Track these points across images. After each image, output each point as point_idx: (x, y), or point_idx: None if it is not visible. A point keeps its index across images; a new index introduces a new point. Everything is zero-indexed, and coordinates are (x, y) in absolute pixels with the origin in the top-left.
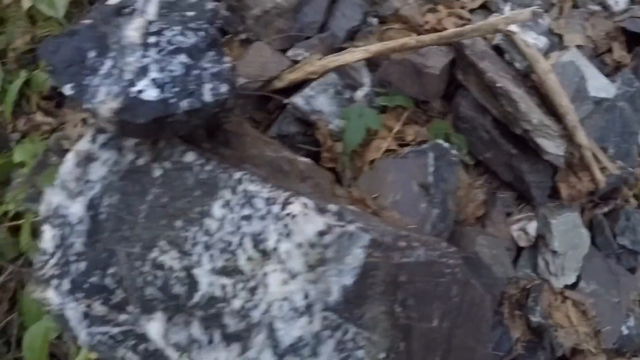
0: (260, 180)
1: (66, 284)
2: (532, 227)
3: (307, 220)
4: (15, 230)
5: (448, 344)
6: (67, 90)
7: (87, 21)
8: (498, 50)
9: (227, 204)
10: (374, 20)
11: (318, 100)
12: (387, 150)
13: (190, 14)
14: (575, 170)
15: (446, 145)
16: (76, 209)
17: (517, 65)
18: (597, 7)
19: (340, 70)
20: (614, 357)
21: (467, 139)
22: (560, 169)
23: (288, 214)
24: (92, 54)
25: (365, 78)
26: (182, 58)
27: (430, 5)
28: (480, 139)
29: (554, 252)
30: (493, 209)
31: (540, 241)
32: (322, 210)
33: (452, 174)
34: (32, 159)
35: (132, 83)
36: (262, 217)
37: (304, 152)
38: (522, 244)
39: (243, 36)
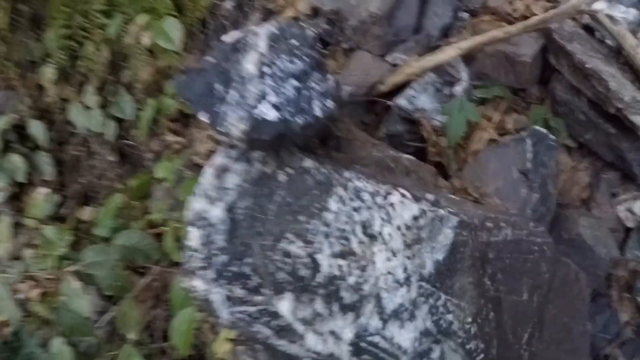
0: (365, 178)
1: (211, 274)
2: (638, 206)
3: (404, 207)
4: (157, 236)
5: (540, 317)
6: (203, 117)
7: (211, 59)
8: (589, 29)
9: (340, 199)
10: (465, 15)
11: (420, 99)
12: (490, 140)
13: (295, 42)
14: None
15: (544, 130)
16: (216, 212)
17: (609, 42)
18: None
19: (438, 68)
20: None
21: (566, 122)
22: None
23: (389, 203)
24: (219, 87)
25: (463, 72)
26: (293, 82)
27: None
28: (578, 121)
29: None
30: (597, 190)
31: None
32: (418, 199)
33: (552, 158)
34: (172, 175)
35: (254, 107)
36: (369, 207)
37: (411, 148)
38: (630, 224)
39: (345, 45)
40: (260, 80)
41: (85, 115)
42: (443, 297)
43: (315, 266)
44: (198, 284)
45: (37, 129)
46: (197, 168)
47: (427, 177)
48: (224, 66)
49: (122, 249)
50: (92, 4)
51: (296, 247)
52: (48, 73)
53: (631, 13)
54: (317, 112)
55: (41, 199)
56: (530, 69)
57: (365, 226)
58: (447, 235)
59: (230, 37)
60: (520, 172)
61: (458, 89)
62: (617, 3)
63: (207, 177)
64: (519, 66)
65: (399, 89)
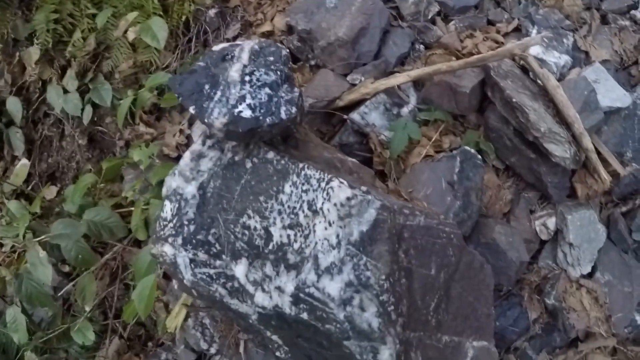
0: (315, 168)
1: (179, 240)
2: (552, 222)
3: (341, 190)
4: (123, 217)
5: (447, 292)
6: (191, 110)
7: (202, 63)
8: (524, 69)
9: (294, 184)
10: (421, 47)
11: (371, 116)
12: (426, 156)
13: (271, 58)
14: (590, 172)
15: (472, 150)
16: (190, 189)
17: (540, 82)
18: (626, 22)
19: (389, 91)
20: (632, 346)
21: (496, 146)
22: (577, 171)
23: (330, 187)
24: (207, 87)
25: (412, 96)
26: (267, 90)
27: (469, 31)
28: (505, 146)
29: (570, 245)
30: (517, 206)
31: (559, 235)
32: (352, 187)
33: (477, 174)
34: (146, 159)
35: (235, 106)
36: (315, 190)
37: (360, 157)
38: (544, 237)
39: (312, 62)
40: (242, 86)
41: (63, 98)
42: (364, 258)
43: (268, 236)
44: (167, 249)
45: (13, 106)
46: (166, 158)
47: (366, 178)
48: (214, 71)
49: (90, 223)
50: None
51: (254, 222)
52: (32, 53)
53: (563, 59)
54: (283, 115)
55: (23, 169)
56: (469, 98)
57: (311, 204)
58: (371, 214)
59: (219, 47)
60: (448, 183)
61: (405, 110)
62: (552, 49)
63: (186, 159)
64: (459, 95)
65: (354, 105)
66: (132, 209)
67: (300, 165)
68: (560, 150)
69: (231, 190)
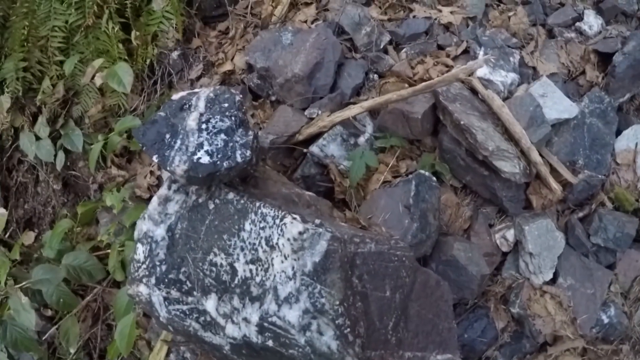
0: (270, 206)
1: (153, 280)
2: (511, 234)
3: (293, 225)
4: (101, 259)
5: (404, 311)
6: (155, 159)
7: (162, 113)
8: (474, 91)
9: (252, 222)
10: (375, 77)
11: (329, 148)
12: (384, 182)
13: (225, 105)
14: (544, 183)
15: (427, 173)
16: (159, 231)
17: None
18: (572, 35)
19: (345, 122)
20: (601, 344)
21: (451, 167)
22: (531, 183)
23: (283, 223)
24: (167, 136)
25: (368, 125)
26: (223, 136)
27: (420, 57)
28: (460, 165)
29: (530, 254)
30: (476, 222)
31: (519, 246)
32: (305, 221)
33: (433, 195)
34: (119, 203)
35: (194, 153)
36: (270, 227)
37: (322, 187)
38: (504, 249)
39: (272, 98)
40: (199, 134)
41: (36, 145)
42: (318, 286)
43: (233, 272)
44: (142, 289)
45: None
46: (139, 200)
47: (324, 209)
48: (173, 120)
49: (69, 268)
50: (51, 41)
51: (220, 259)
52: (3, 101)
53: (510, 77)
54: (238, 158)
55: (1, 219)
56: (421, 123)
57: (268, 239)
58: (322, 245)
59: (177, 95)
60: (405, 206)
61: (362, 139)
62: (499, 69)
63: (154, 204)
64: (412, 121)
65: (313, 138)
66: (109, 251)
67: (257, 204)
68: (509, 166)
69: (197, 230)
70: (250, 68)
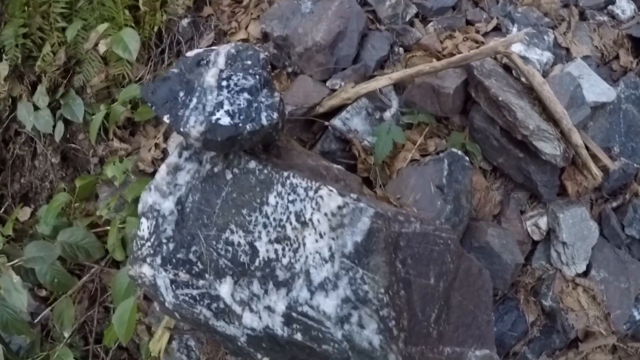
0: (301, 176)
1: (158, 260)
2: (543, 222)
3: (331, 198)
4: (99, 237)
5: (446, 301)
6: (166, 119)
7: (175, 70)
8: (507, 68)
9: (279, 194)
10: (400, 50)
11: (353, 121)
12: (412, 160)
13: (248, 62)
14: (579, 168)
15: (460, 152)
16: (167, 204)
17: (523, 80)
18: (604, 18)
19: (370, 95)
20: (632, 342)
21: (482, 148)
22: (566, 168)
23: (319, 196)
24: (181, 94)
25: (393, 100)
26: (246, 95)
27: (448, 32)
28: (492, 146)
29: (564, 244)
30: (507, 207)
31: (551, 234)
32: (342, 195)
33: (466, 176)
34: (121, 175)
35: (212, 113)
36: (302, 199)
37: (343, 165)
38: (536, 237)
39: (289, 69)
40: (219, 92)
41: (34, 115)
42: (360, 271)
43: (254, 252)
44: (146, 270)
45: None
46: (142, 174)
47: (354, 185)
48: (188, 77)
49: (64, 245)
50: (53, 6)
51: (238, 237)
52: (1, 69)
53: (545, 55)
54: (264, 121)
55: None
56: (452, 99)
57: (299, 215)
58: (364, 222)
59: (193, 52)
60: (437, 187)
61: (387, 114)
62: (533, 46)
63: (161, 173)
64: (442, 97)
65: (335, 111)
66: (108, 228)
67: (285, 174)
68: (550, 148)
69: (211, 204)
70: (265, 37)
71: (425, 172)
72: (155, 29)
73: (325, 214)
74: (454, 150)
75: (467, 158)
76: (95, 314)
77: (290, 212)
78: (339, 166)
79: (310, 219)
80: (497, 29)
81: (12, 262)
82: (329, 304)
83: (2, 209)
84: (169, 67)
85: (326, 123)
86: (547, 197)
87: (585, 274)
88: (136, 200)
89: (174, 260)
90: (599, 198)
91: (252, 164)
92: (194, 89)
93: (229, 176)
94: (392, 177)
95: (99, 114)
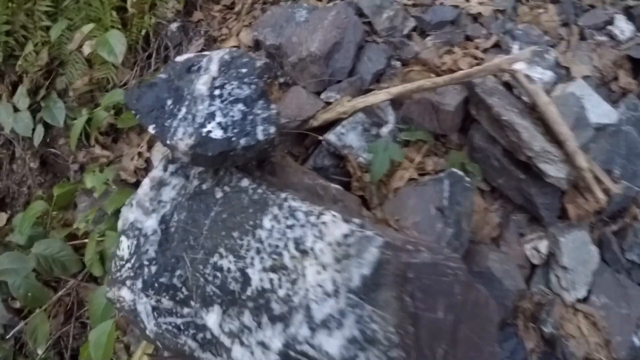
0: (300, 199)
1: (139, 284)
2: (544, 245)
3: (336, 226)
4: (77, 249)
5: (454, 335)
6: (151, 129)
7: (163, 75)
8: (508, 86)
9: (275, 218)
10: (397, 64)
11: (348, 137)
12: (410, 179)
13: (244, 70)
14: (581, 191)
15: (460, 173)
16: (150, 223)
17: (525, 98)
18: (603, 38)
19: (367, 110)
20: None
21: (481, 167)
22: (567, 191)
23: (322, 222)
24: (169, 102)
25: (390, 116)
26: (240, 106)
27: (447, 47)
28: (492, 166)
29: (564, 268)
30: (507, 230)
31: (551, 258)
32: (347, 220)
33: (466, 198)
34: (101, 185)
35: (202, 125)
36: (302, 225)
37: (336, 182)
38: (535, 261)
39: (282, 80)
40: (210, 101)
41: (14, 117)
42: (368, 308)
43: (245, 280)
44: (125, 294)
45: None
46: (123, 184)
47: (352, 207)
48: (177, 84)
49: (39, 257)
50: (38, 4)
51: (227, 262)
52: None
53: (547, 74)
54: (260, 136)
55: None
56: (452, 117)
57: (298, 242)
58: (373, 253)
59: (182, 57)
60: (437, 209)
61: (384, 130)
62: (535, 65)
63: (144, 188)
64: (442, 114)
65: (329, 125)
66: (87, 240)
67: (282, 195)
68: (555, 170)
69: (199, 224)
70: (257, 45)
71: (424, 193)
72: (143, 32)
73: (330, 244)
74: (455, 170)
75: (468, 179)
76: (71, 329)
77: (288, 239)
78: (337, 186)
79: (312, 248)
80: (496, 46)
81: None
82: (333, 344)
83: None
84: (156, 73)
85: (320, 137)
86: (548, 220)
87: (586, 299)
88: (116, 212)
89: (156, 285)
90: (599, 221)
91: (245, 182)
92: (183, 97)
93: (218, 194)
94: (388, 197)
95: (81, 118)
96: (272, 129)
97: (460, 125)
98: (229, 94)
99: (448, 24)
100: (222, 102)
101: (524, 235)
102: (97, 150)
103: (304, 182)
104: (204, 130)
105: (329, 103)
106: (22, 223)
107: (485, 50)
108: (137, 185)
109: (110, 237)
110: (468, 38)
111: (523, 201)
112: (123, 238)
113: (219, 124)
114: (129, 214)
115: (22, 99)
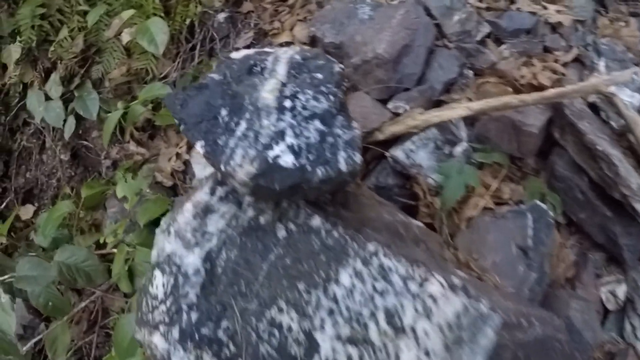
0: (393, 255)
1: (176, 333)
2: (622, 290)
3: (447, 302)
4: (104, 256)
5: None
6: (200, 147)
7: (216, 76)
8: (594, 108)
9: (357, 275)
10: (470, 73)
11: (418, 155)
12: (484, 209)
13: (319, 76)
14: None
15: (544, 206)
16: (192, 259)
17: (613, 124)
18: None
19: (442, 125)
20: None
21: (562, 198)
22: None
23: (428, 294)
24: (224, 112)
25: (462, 132)
26: (317, 124)
27: (524, 58)
28: (575, 199)
29: None
30: (584, 270)
31: (628, 305)
32: (453, 288)
33: (549, 236)
34: (134, 197)
35: (268, 147)
36: (399, 294)
37: (400, 204)
38: (610, 307)
39: None
40: (279, 115)
41: (45, 106)
42: None
43: (312, 345)
44: (158, 341)
45: None
46: (160, 187)
47: (435, 248)
48: (235, 89)
49: (62, 266)
50: None
51: (288, 319)
52: (13, 51)
53: (636, 98)
54: (342, 165)
55: None
56: (535, 140)
57: (391, 315)
58: (489, 337)
59: (241, 54)
60: (520, 248)
61: (458, 149)
62: (623, 87)
63: (186, 215)
64: (524, 135)
65: (395, 139)
66: (115, 250)
67: (371, 248)
68: None
69: (254, 267)
70: (313, 42)
71: (505, 228)
72: (187, 21)
73: (440, 326)
74: (538, 203)
75: (551, 213)
76: (94, 338)
77: (376, 307)
78: (419, 222)
79: (413, 328)
80: (577, 60)
81: (2, 278)
82: None
83: (4, 204)
84: (200, 66)
85: (386, 153)
86: (631, 263)
87: None
88: (151, 224)
89: (196, 337)
90: None
91: (316, 221)
92: (243, 107)
93: (281, 233)
94: (460, 227)
95: (115, 112)
96: (357, 157)
97: (539, 148)
98: (303, 106)
99: (524, 32)
100: (293, 117)
101: (600, 276)
102: (132, 146)
103: (382, 218)
104: (271, 154)
105: (396, 114)
106: (45, 225)
107: (565, 65)
108: (174, 189)
109: (142, 252)
110: (546, 49)
111: (604, 240)
112: (157, 273)
113: (290, 146)
114: (166, 244)
115: (54, 87)
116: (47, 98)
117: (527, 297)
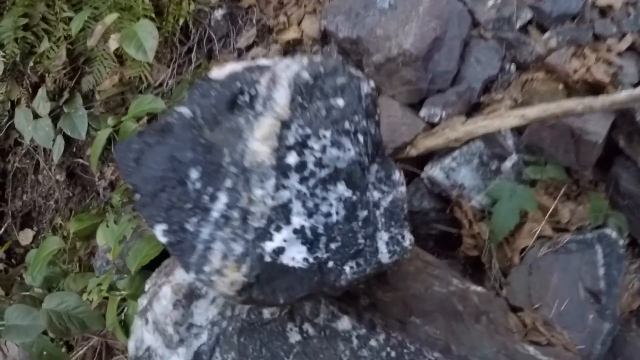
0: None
1: None
2: None
3: None
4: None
5: None
6: (160, 234)
7: (186, 111)
8: None
9: None
10: (512, 68)
11: (460, 173)
12: (539, 237)
13: (340, 103)
14: None
15: (614, 235)
16: None
17: None
18: None
19: (488, 137)
20: None
21: (626, 217)
22: None
23: None
24: (194, 174)
25: (510, 141)
26: (341, 189)
27: (572, 48)
28: None
29: None
30: None
31: None
32: None
33: (621, 272)
34: (116, 245)
35: (264, 236)
36: None
37: (435, 231)
38: None
39: None
40: (280, 180)
41: (33, 125)
42: None
43: None
44: None
45: None
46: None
47: (498, 318)
48: (207, 136)
49: (51, 315)
50: None
51: None
52: None
53: None
54: (383, 254)
55: None
56: (598, 150)
57: None
58: None
59: (224, 72)
60: (589, 291)
61: (507, 164)
62: None
63: (163, 303)
64: (584, 145)
65: (431, 153)
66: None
67: None
68: None
69: None
70: (325, 38)
71: (570, 266)
72: (181, 21)
73: None
74: (608, 232)
75: (621, 242)
76: None
77: None
78: (478, 288)
79: None
80: (631, 49)
81: None
82: None
83: (3, 229)
84: (198, 70)
85: (421, 174)
86: None
87: None
88: (143, 270)
89: None
90: None
91: (345, 324)
92: (221, 169)
93: (294, 338)
94: (513, 260)
95: (104, 131)
96: (407, 238)
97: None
98: (318, 161)
99: (570, 17)
100: (303, 180)
101: None
102: None
103: (433, 292)
104: (269, 247)
105: (431, 124)
106: (34, 265)
107: (619, 54)
108: None
109: (134, 305)
110: (596, 37)
111: None
112: None
113: (300, 232)
114: (145, 333)
115: (42, 103)
116: (36, 116)
117: (598, 355)
